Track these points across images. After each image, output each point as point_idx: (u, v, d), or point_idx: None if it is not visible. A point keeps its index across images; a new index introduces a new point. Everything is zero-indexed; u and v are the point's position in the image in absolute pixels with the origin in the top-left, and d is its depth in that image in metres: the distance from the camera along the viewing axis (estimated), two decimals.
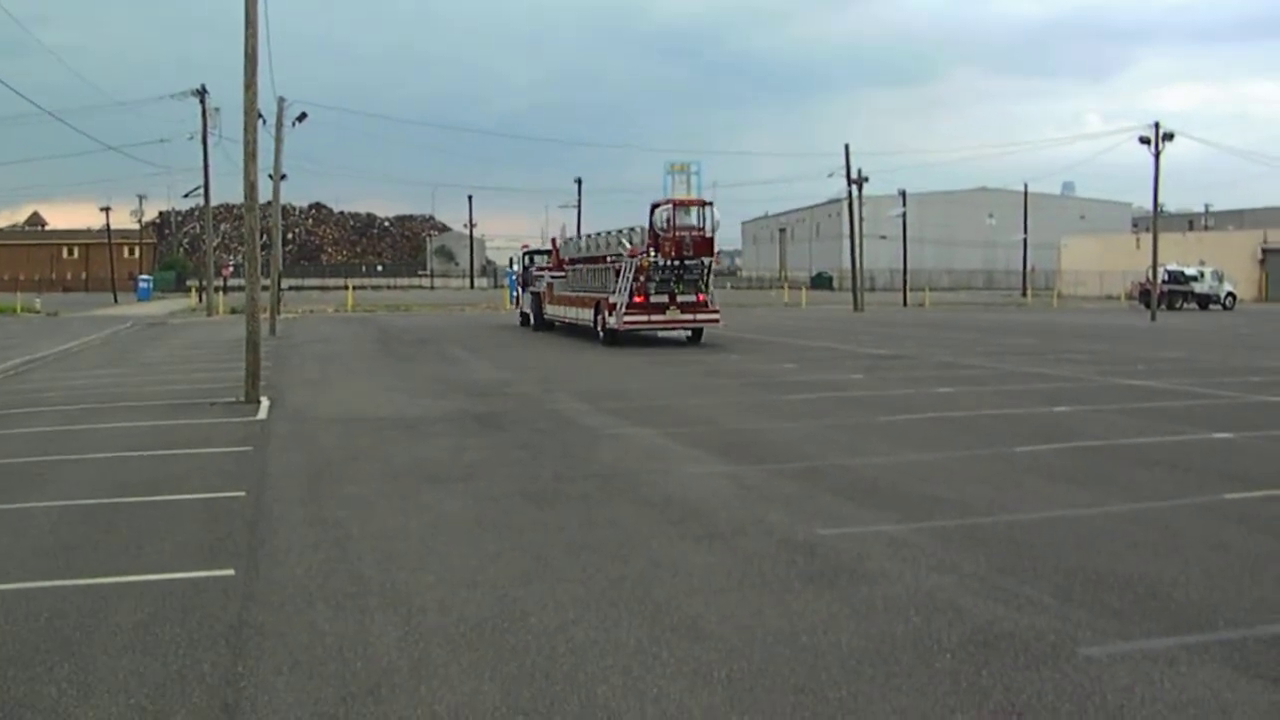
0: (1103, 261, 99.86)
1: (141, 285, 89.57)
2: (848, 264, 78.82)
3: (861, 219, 69.46)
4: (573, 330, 39.13)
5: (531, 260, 46.32)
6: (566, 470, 12.66)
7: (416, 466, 13.00)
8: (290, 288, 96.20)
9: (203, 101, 59.83)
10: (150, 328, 48.79)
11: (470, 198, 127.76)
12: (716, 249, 36.23)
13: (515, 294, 48.94)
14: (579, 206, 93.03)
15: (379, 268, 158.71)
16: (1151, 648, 6.68)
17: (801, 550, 8.93)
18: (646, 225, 34.24)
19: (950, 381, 22.59)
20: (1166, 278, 69.78)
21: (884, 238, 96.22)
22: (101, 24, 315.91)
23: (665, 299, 33.68)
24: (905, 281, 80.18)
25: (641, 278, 33.40)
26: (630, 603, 7.57)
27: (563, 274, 40.80)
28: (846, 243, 74.31)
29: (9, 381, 24.81)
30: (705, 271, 34.38)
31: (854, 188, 69.78)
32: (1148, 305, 61.16)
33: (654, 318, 33.89)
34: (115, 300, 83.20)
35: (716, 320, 35.10)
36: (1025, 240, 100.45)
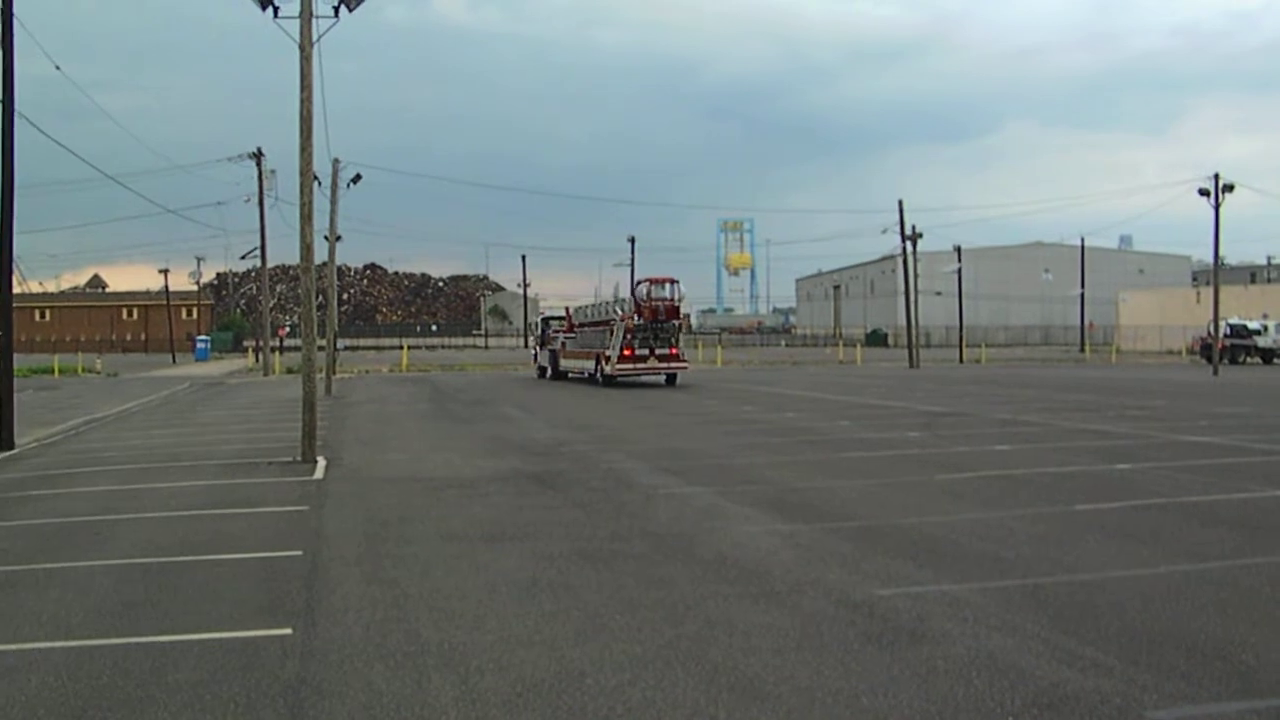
0: (1162, 316, 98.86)
1: (199, 346, 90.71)
2: (902, 320, 78.59)
3: (916, 275, 69.24)
4: (581, 379, 48.36)
5: (548, 325, 55.82)
6: (622, 529, 12.62)
7: (473, 526, 13.01)
8: (346, 348, 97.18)
9: (259, 164, 60.62)
10: (208, 388, 49.34)
11: (524, 257, 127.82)
12: (683, 313, 48.29)
13: (535, 352, 58.37)
14: (632, 265, 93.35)
15: (433, 327, 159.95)
16: (1221, 712, 6.53)
17: (860, 610, 8.84)
18: (632, 297, 46.15)
19: (1009, 439, 22.36)
20: (1228, 332, 68.88)
21: (939, 294, 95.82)
22: (165, 89, 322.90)
23: (647, 351, 44.43)
24: (961, 338, 79.76)
25: (629, 336, 44.01)
26: (687, 663, 7.51)
27: (574, 335, 50.79)
28: (901, 299, 74.13)
29: (71, 441, 25.16)
30: (676, 330, 45.63)
31: (908, 244, 69.61)
32: (1209, 360, 60.32)
33: (638, 365, 44.42)
34: (174, 361, 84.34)
35: (685, 367, 46.85)
36: (1082, 295, 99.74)
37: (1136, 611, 8.73)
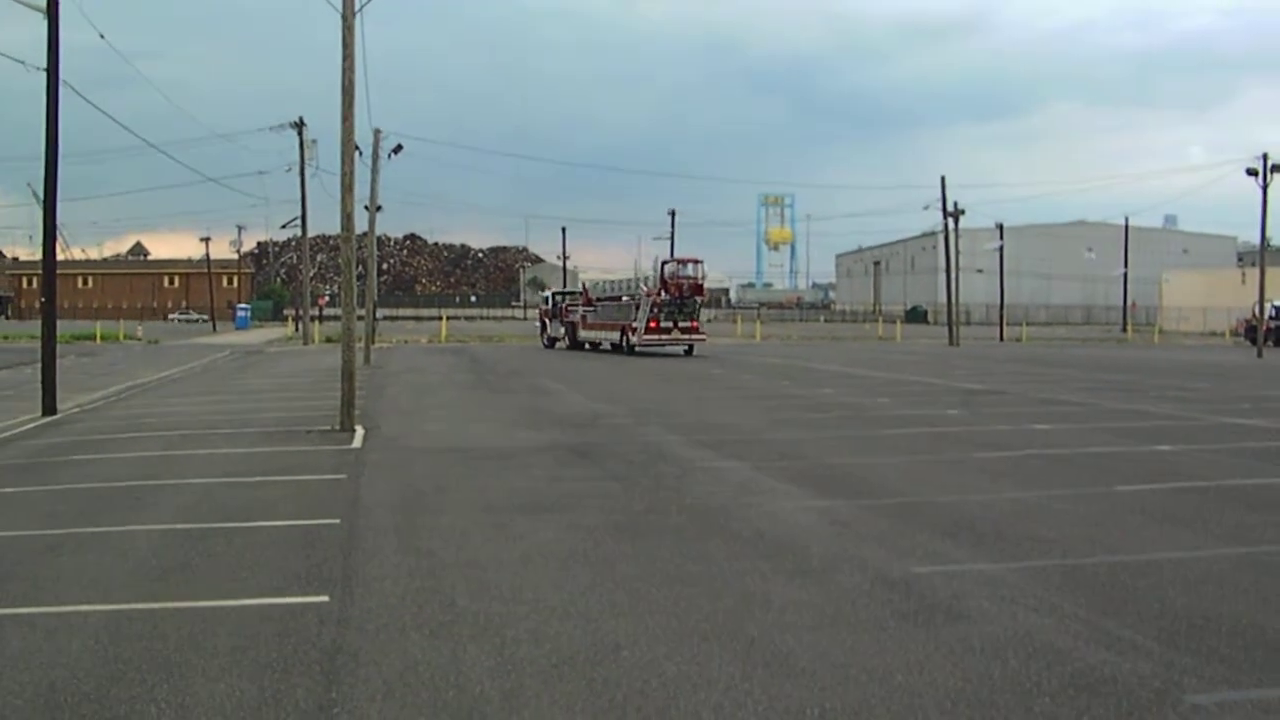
0: (1206, 297, 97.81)
1: (240, 314, 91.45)
2: (943, 298, 78.14)
3: (957, 252, 68.72)
4: (592, 349, 53.88)
5: (558, 299, 60.33)
6: (659, 503, 12.61)
7: (510, 497, 13.03)
8: (385, 318, 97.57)
9: (300, 134, 60.76)
10: (248, 356, 49.71)
11: (564, 229, 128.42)
12: (706, 290, 52.69)
13: (541, 324, 62.23)
14: (672, 239, 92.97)
15: (472, 298, 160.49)
16: (1263, 697, 6.44)
17: (896, 588, 8.79)
18: (657, 274, 49.89)
19: (1049, 418, 22.18)
20: (1274, 314, 68.01)
21: (980, 271, 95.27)
22: (209, 59, 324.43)
23: (670, 324, 48.85)
24: (1002, 316, 79.21)
25: (655, 310, 48.40)
26: (722, 638, 7.49)
27: (592, 308, 55.13)
28: (942, 276, 73.67)
29: (113, 407, 25.40)
30: (697, 306, 50.44)
31: (950, 220, 69.09)
32: (1254, 342, 59.69)
33: (662, 337, 48.89)
34: (214, 328, 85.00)
35: (704, 339, 51.44)
36: (1126, 275, 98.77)
37: (1177, 594, 8.63)
